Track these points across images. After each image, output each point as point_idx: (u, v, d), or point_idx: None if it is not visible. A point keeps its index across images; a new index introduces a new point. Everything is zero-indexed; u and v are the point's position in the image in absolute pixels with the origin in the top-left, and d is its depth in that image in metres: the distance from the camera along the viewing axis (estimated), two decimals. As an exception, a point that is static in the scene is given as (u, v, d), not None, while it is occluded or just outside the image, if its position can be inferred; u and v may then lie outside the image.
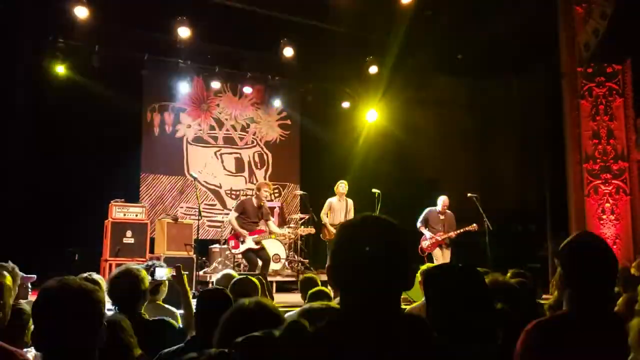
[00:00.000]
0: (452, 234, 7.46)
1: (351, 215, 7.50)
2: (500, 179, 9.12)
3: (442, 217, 7.59)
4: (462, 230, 7.41)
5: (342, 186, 7.50)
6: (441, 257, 7.48)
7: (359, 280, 1.14)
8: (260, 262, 6.49)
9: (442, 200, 7.62)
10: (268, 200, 7.12)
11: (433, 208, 7.65)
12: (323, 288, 3.44)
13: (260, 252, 6.52)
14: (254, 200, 6.67)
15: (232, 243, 6.66)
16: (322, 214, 7.58)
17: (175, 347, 2.04)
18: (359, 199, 7.77)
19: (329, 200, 7.58)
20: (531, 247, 8.78)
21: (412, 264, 1.21)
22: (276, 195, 10.34)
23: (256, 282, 3.14)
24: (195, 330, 2.17)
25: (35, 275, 3.03)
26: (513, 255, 7.62)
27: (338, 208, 7.52)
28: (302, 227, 7.86)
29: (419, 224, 7.60)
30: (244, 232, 6.46)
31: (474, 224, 7.35)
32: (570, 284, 1.73)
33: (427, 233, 7.50)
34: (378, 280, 1.13)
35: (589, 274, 1.68)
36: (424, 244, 7.51)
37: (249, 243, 6.50)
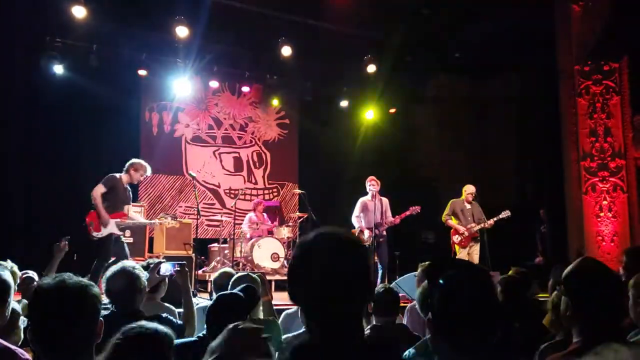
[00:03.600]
0: (487, 224, 6.81)
1: (389, 215, 6.90)
2: (498, 177, 9.14)
3: (468, 206, 6.99)
4: (496, 219, 6.79)
5: (374, 184, 6.80)
6: (466, 253, 6.91)
7: (320, 299, 1.12)
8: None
9: (470, 189, 7.01)
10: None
11: (457, 199, 7.07)
12: None
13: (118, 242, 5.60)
14: (125, 178, 5.71)
15: (92, 224, 5.53)
16: (353, 218, 6.91)
17: (187, 339, 2.07)
18: (358, 197, 7.77)
19: (361, 200, 6.94)
20: (529, 245, 8.81)
21: (371, 276, 1.20)
22: (275, 194, 10.35)
23: (257, 280, 3.14)
24: (206, 330, 2.20)
25: None
26: (511, 253, 7.63)
27: (372, 208, 6.81)
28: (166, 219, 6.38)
29: (445, 218, 7.02)
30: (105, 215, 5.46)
31: (507, 211, 6.79)
32: (579, 315, 1.66)
33: (460, 227, 6.90)
34: (338, 299, 1.12)
35: (599, 304, 1.62)
36: (456, 238, 6.93)
37: (112, 227, 5.53)
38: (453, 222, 6.99)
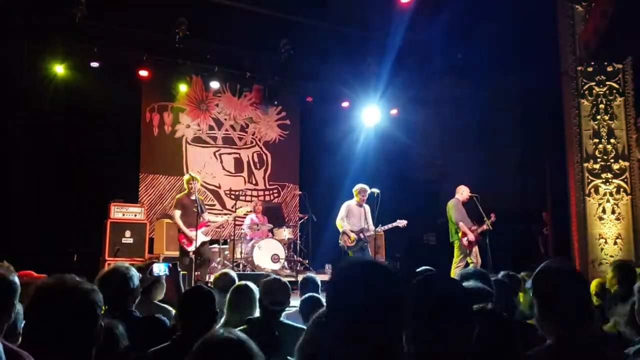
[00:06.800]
0: (484, 227, 6.76)
1: (369, 222, 6.92)
2: (500, 179, 9.08)
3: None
4: (487, 223, 6.73)
5: (364, 192, 6.86)
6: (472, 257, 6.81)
7: (356, 334, 1.12)
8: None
9: (467, 190, 6.95)
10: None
11: (456, 200, 6.95)
12: (316, 295, 3.30)
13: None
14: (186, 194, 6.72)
15: (185, 242, 6.57)
16: (339, 220, 6.91)
17: (161, 346, 2.01)
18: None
19: (347, 204, 6.98)
20: (531, 247, 8.75)
21: (405, 317, 1.19)
22: (275, 195, 10.31)
23: (287, 285, 2.89)
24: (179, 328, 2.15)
25: None
26: (513, 255, 7.57)
27: (357, 214, 6.91)
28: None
29: (460, 218, 6.81)
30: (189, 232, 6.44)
31: (487, 218, 6.75)
32: (546, 314, 1.68)
33: (468, 232, 6.77)
34: (372, 336, 1.12)
35: (563, 303, 1.65)
36: (466, 241, 6.76)
37: (201, 237, 6.61)
38: (464, 225, 6.85)
